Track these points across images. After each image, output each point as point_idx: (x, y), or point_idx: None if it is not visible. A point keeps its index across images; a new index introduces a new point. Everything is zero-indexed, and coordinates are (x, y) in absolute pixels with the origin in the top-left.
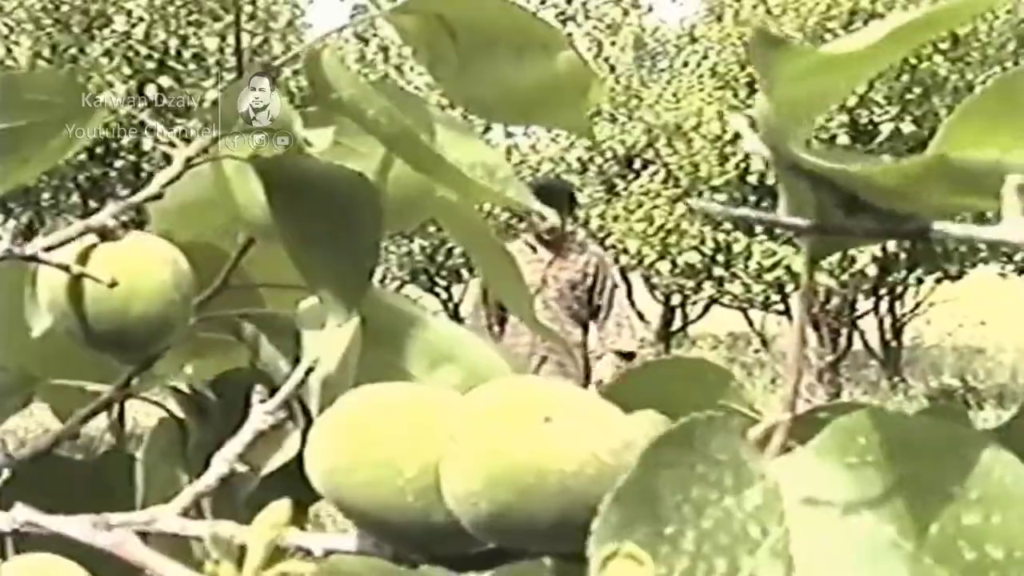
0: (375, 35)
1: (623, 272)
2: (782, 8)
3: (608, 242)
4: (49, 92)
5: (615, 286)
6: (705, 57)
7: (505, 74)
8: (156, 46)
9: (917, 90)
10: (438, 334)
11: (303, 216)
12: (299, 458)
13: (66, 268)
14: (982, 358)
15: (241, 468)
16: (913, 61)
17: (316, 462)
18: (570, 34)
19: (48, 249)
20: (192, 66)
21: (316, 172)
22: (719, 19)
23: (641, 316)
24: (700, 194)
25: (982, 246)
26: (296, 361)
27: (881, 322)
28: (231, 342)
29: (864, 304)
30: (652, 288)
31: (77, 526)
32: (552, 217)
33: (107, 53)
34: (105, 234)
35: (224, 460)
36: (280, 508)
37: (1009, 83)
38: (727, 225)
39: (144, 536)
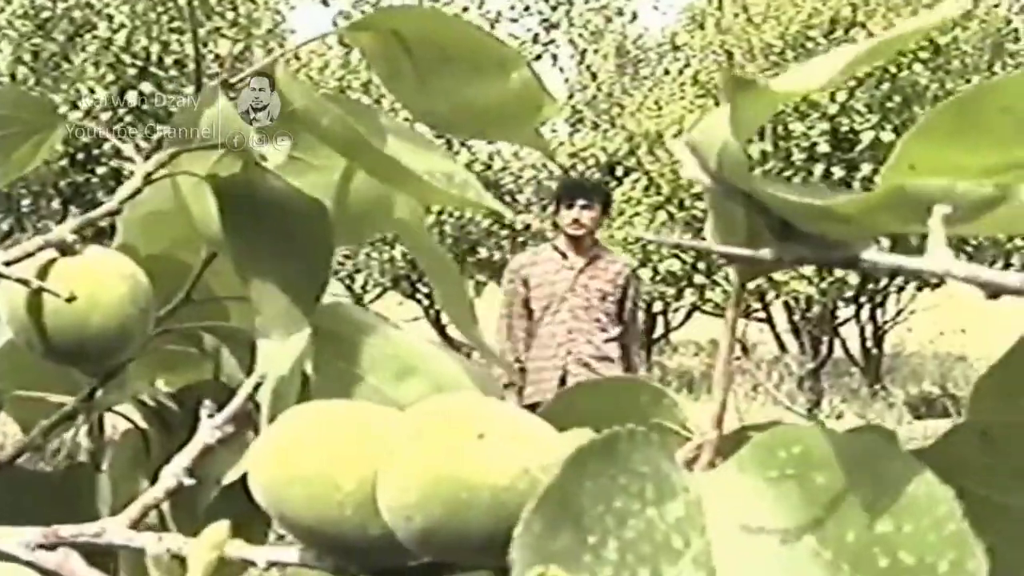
0: None
1: None
2: (763, 17)
3: None
4: (14, 107)
5: (637, 305)
6: (687, 65)
7: (461, 90)
8: (138, 52)
9: (898, 99)
10: (403, 347)
11: (253, 234)
12: None
13: (25, 283)
14: (963, 366)
15: (188, 481)
16: (893, 70)
17: (257, 476)
18: (553, 41)
19: (9, 263)
20: (173, 72)
21: (269, 191)
22: (701, 27)
23: None
24: (681, 202)
25: (961, 255)
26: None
27: (862, 329)
28: (197, 355)
29: (845, 311)
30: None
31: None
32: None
33: (89, 60)
34: (64, 249)
35: (172, 474)
36: (220, 527)
37: (963, 102)
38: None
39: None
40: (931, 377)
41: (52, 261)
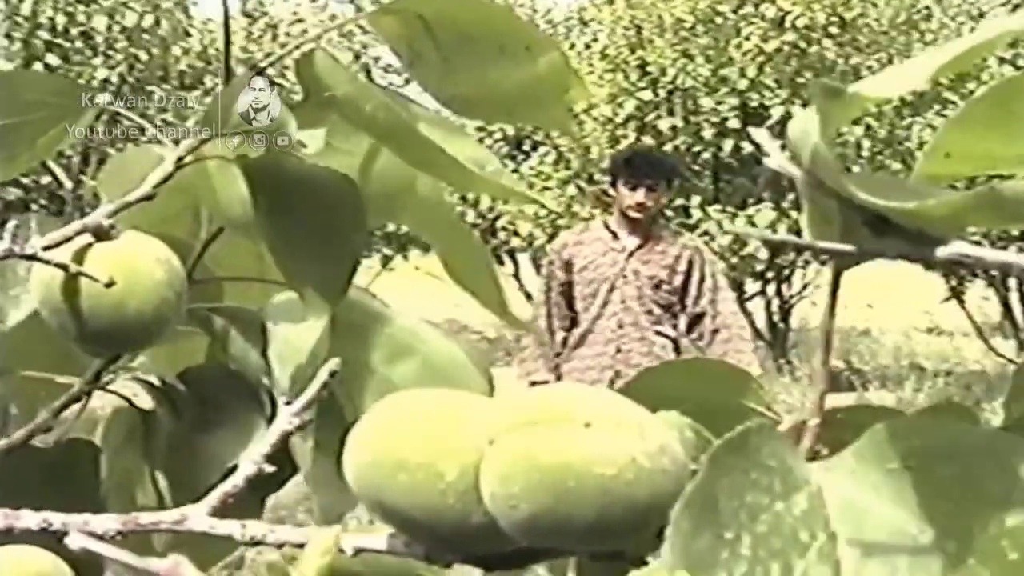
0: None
1: (512, 253)
2: None
3: (499, 224)
4: (43, 91)
5: (716, 289)
6: (595, 39)
7: (487, 73)
8: (43, 23)
9: (807, 74)
10: (398, 327)
11: (287, 216)
12: None
13: (64, 267)
14: (867, 340)
15: (269, 468)
16: (803, 45)
17: (357, 465)
18: None
19: (47, 248)
20: (79, 43)
21: (301, 173)
22: (611, 2)
23: (529, 297)
24: (591, 176)
25: None
26: (263, 355)
27: (768, 304)
28: (185, 333)
29: (752, 286)
30: (540, 269)
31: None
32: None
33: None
34: (100, 234)
35: (251, 462)
36: (331, 533)
37: (999, 92)
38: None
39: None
40: (836, 351)
41: (88, 246)
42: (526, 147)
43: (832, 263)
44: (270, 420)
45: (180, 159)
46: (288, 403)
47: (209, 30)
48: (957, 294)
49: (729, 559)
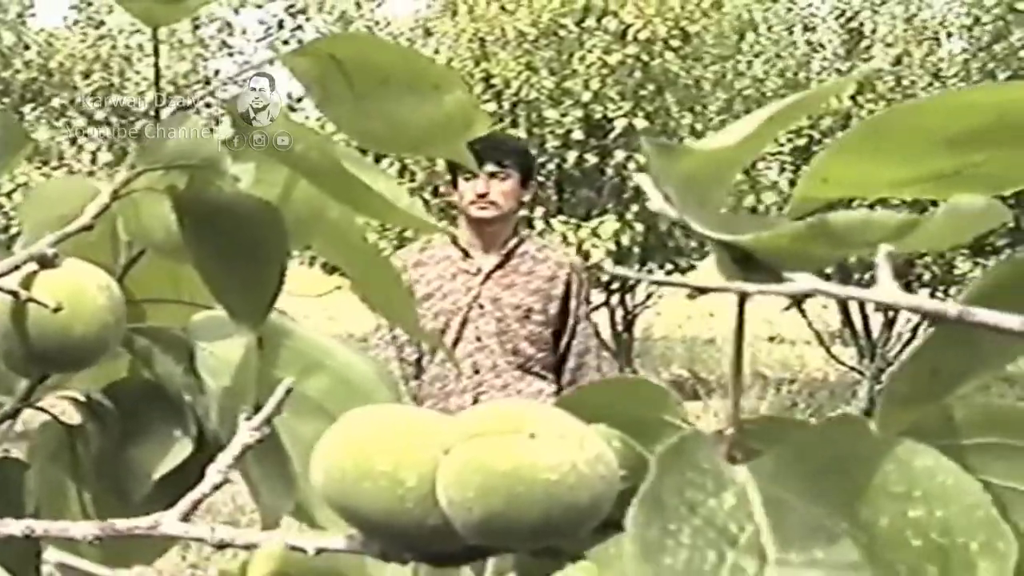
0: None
1: None
2: (516, 4)
3: None
4: None
5: (588, 316)
6: (437, 52)
7: (397, 110)
8: None
9: (650, 87)
10: (307, 343)
11: (214, 242)
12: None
13: (15, 294)
14: (711, 349)
15: (233, 476)
16: (645, 58)
17: (324, 472)
18: (300, 27)
19: None
20: None
21: (226, 201)
22: (454, 14)
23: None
24: (435, 188)
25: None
26: (191, 372)
27: (612, 313)
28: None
29: (597, 297)
30: None
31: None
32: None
33: None
34: (44, 262)
35: (217, 471)
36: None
37: (877, 123)
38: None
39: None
40: (680, 360)
41: (34, 273)
42: (369, 158)
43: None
44: (198, 435)
45: (115, 191)
46: (248, 418)
47: (49, 43)
48: (798, 302)
49: (674, 547)
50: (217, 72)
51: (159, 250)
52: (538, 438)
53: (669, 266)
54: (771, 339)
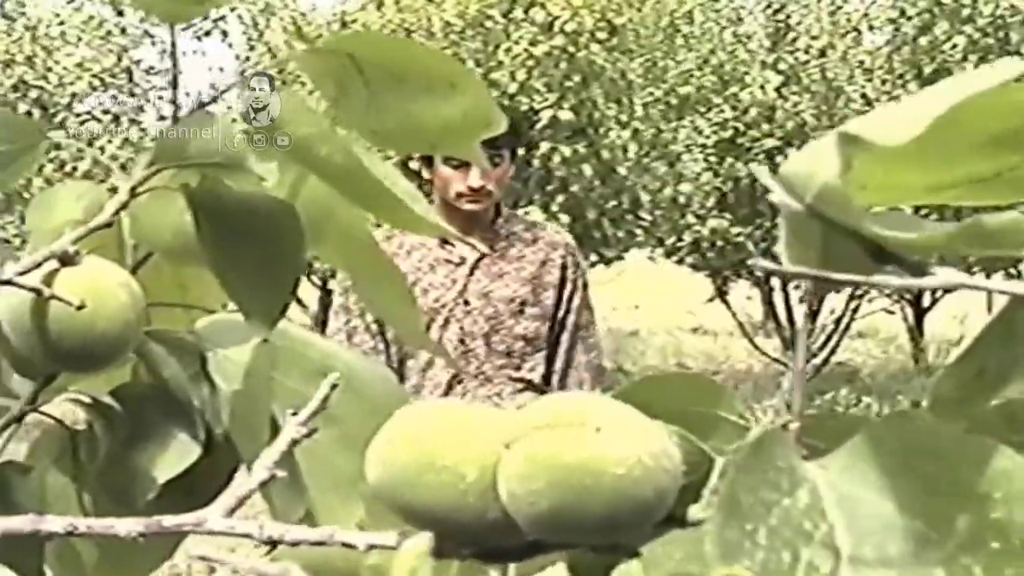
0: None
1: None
2: None
3: None
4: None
5: (582, 309)
6: None
7: (412, 109)
8: None
9: (576, 78)
10: (313, 348)
11: (230, 240)
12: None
13: (38, 291)
14: (635, 340)
15: (281, 474)
16: (572, 50)
17: (382, 469)
18: (223, 17)
19: (21, 274)
20: None
21: (242, 200)
22: (380, 5)
23: (299, 301)
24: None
25: (638, 231)
26: (201, 376)
27: None
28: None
29: None
30: (310, 273)
31: (243, 559)
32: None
33: None
34: (66, 260)
35: (264, 467)
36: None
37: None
38: None
39: None
40: (605, 353)
41: (56, 271)
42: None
43: (813, 288)
44: (207, 437)
45: (134, 189)
46: (294, 414)
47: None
48: (721, 294)
49: (751, 548)
50: (138, 62)
51: (167, 253)
52: (604, 431)
53: (594, 257)
54: (695, 330)
